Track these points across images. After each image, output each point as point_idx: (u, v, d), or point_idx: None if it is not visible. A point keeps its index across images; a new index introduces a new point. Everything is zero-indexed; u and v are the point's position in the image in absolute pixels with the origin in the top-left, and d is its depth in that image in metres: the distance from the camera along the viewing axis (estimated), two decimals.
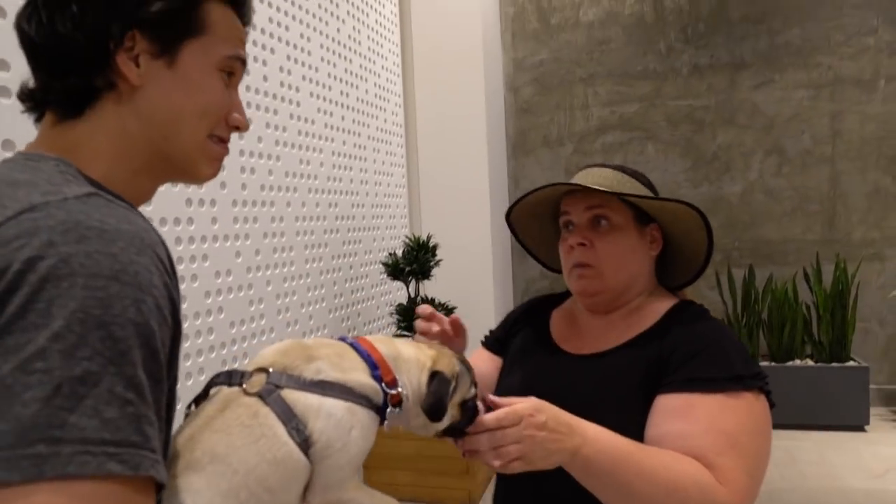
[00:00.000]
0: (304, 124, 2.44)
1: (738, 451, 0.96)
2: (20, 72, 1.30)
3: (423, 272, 2.82)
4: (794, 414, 3.29)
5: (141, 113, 0.69)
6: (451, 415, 0.93)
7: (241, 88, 1.95)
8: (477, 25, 3.47)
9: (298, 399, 0.77)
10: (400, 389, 0.86)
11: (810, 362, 3.45)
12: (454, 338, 1.19)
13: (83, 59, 0.67)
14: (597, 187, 1.13)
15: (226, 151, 0.77)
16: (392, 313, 2.96)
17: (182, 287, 1.70)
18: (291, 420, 0.75)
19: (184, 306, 1.74)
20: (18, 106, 1.37)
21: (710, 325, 1.11)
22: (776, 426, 1.04)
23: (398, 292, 3.26)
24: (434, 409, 0.90)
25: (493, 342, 1.41)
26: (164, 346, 0.58)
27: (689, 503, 0.92)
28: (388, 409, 0.85)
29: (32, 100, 0.72)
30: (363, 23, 3.01)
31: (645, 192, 1.19)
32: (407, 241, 2.90)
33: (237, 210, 2.02)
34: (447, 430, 0.95)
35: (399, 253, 2.93)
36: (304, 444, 0.75)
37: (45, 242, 0.53)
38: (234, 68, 0.75)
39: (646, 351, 1.10)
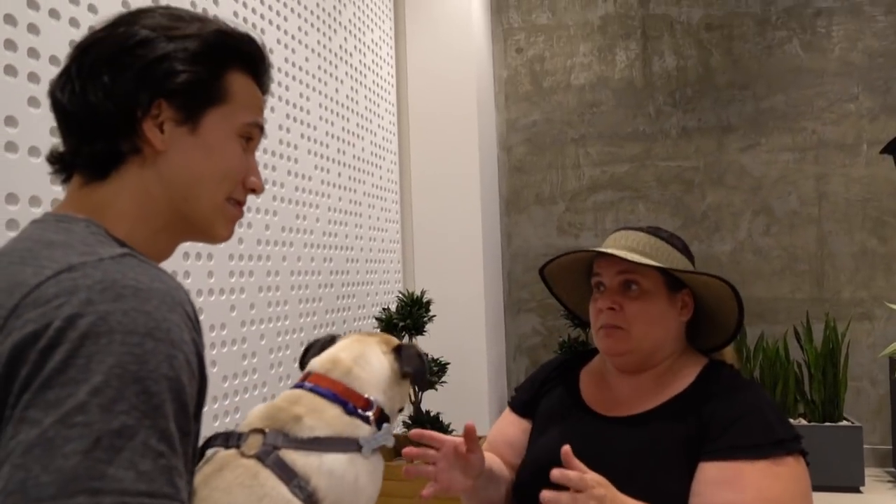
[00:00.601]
0: (301, 180, 2.48)
1: None
2: (27, 127, 1.34)
3: (416, 328, 2.82)
4: None
5: (163, 176, 0.73)
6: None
7: None
8: (471, 87, 3.57)
9: (297, 459, 0.78)
10: (374, 407, 0.90)
11: (803, 421, 3.43)
12: (469, 454, 1.08)
13: (111, 126, 0.71)
14: (627, 256, 1.14)
15: (241, 214, 0.81)
16: None
17: None
18: (293, 479, 0.76)
19: None
20: (25, 161, 1.40)
21: (746, 389, 1.12)
22: None
23: None
24: (420, 372, 0.98)
25: (521, 405, 1.37)
26: (192, 400, 0.61)
27: None
28: (375, 435, 0.88)
29: (61, 162, 0.75)
30: (361, 83, 3.10)
31: (679, 257, 1.20)
32: (401, 296, 2.92)
33: (233, 264, 2.04)
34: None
35: (393, 308, 2.94)
36: (309, 500, 0.76)
37: (84, 300, 0.56)
38: (252, 134, 0.79)
39: (683, 415, 1.10)
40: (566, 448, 0.93)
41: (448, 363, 2.86)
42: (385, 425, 0.90)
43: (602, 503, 0.90)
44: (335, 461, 0.81)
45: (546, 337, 4.09)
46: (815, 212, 3.76)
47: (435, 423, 2.73)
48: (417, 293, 2.91)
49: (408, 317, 2.80)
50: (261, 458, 0.77)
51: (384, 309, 2.93)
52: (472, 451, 1.09)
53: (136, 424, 0.53)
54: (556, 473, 0.90)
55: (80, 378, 0.53)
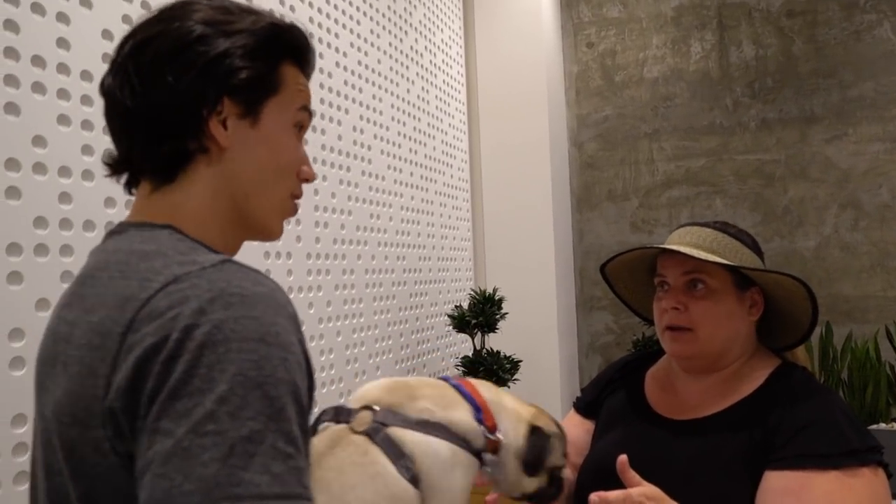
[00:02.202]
0: (374, 180, 2.53)
1: None
2: None
3: (488, 325, 2.83)
4: None
5: (230, 172, 0.73)
6: (540, 477, 0.93)
7: (317, 146, 2.08)
8: (541, 83, 3.55)
9: (406, 438, 0.79)
10: (500, 436, 0.87)
11: None
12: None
13: (178, 126, 0.70)
14: (693, 253, 1.09)
15: (297, 209, 0.81)
16: (457, 365, 2.97)
17: None
18: (401, 458, 0.77)
19: None
20: None
21: (819, 395, 1.05)
22: None
23: (463, 344, 3.27)
24: (532, 462, 0.90)
25: (585, 406, 1.36)
26: (306, 400, 0.62)
27: None
28: (486, 456, 0.85)
29: (127, 165, 0.75)
30: (431, 83, 3.13)
31: (748, 254, 1.14)
32: (473, 293, 2.93)
33: (311, 263, 2.10)
34: (533, 496, 0.94)
35: (465, 305, 2.96)
36: (413, 481, 0.76)
37: (196, 310, 0.58)
38: (304, 121, 0.79)
39: (748, 420, 1.05)
40: (622, 458, 0.90)
41: (520, 360, 2.86)
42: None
43: None
44: (441, 445, 0.80)
45: (619, 335, 4.02)
46: None
47: None
48: (489, 291, 2.92)
49: (480, 314, 2.82)
50: (370, 434, 0.79)
51: (457, 306, 2.95)
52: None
53: (263, 429, 0.54)
54: (594, 499, 0.88)
55: (205, 388, 0.54)
